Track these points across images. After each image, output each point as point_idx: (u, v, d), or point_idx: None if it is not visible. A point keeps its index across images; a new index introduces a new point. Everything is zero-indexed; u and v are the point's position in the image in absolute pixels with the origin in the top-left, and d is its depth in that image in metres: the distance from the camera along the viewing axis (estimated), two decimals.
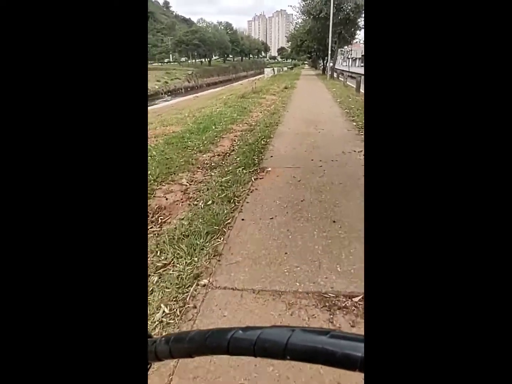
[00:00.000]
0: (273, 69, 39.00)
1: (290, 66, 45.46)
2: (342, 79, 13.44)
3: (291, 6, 22.49)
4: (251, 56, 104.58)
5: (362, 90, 10.07)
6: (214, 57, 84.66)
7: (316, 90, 11.59)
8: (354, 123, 5.43)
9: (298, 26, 21.84)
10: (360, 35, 18.65)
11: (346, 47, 22.09)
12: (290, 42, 25.11)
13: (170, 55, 63.95)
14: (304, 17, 20.19)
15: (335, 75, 18.11)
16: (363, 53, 70.94)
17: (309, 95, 9.95)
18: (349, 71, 18.96)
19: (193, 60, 64.09)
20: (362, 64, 57.98)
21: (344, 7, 16.64)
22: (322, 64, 24.82)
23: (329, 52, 16.34)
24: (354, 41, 21.30)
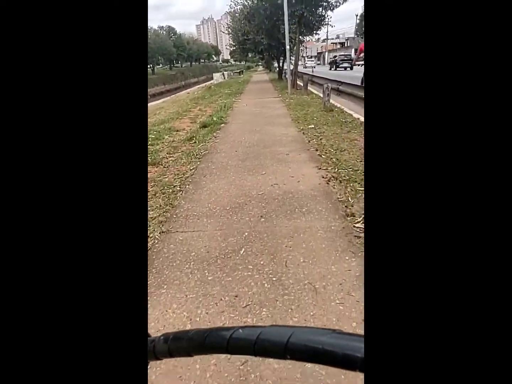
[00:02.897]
0: (223, 74, 33.10)
1: (237, 71, 38.38)
2: (324, 96, 6.59)
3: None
4: (202, 60, 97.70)
5: None
6: (159, 65, 77.38)
7: (269, 130, 5.05)
8: None
9: (238, 15, 15.31)
10: (332, 18, 12.20)
11: (309, 39, 15.70)
12: (231, 39, 18.46)
13: None
14: None
15: (299, 82, 11.71)
16: (318, 51, 66.73)
17: (254, 170, 3.43)
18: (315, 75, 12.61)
19: None
20: (319, 62, 52.95)
21: None
22: (278, 65, 18.38)
23: (287, 46, 10.06)
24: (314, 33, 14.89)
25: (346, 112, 6.14)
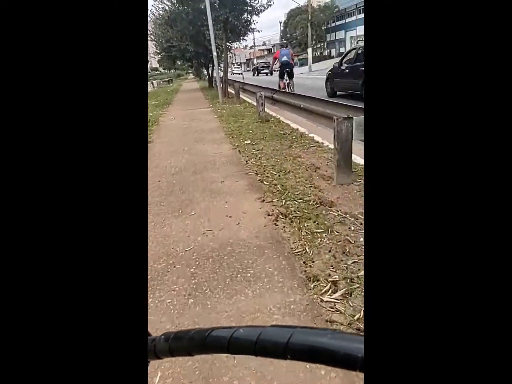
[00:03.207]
0: (152, 83, 31.32)
1: (167, 79, 36.64)
2: (258, 106, 5.88)
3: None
4: None
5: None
6: None
7: (200, 150, 4.27)
8: None
9: (160, 20, 14.24)
10: (258, 24, 11.75)
11: (237, 46, 15.27)
12: (155, 47, 17.26)
13: None
14: (165, 4, 12.82)
15: (231, 90, 11.10)
16: (247, 57, 67.55)
17: None
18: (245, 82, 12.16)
19: None
20: (249, 69, 53.41)
21: None
22: (207, 73, 17.59)
23: (214, 53, 9.35)
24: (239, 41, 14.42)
25: (283, 122, 5.65)
